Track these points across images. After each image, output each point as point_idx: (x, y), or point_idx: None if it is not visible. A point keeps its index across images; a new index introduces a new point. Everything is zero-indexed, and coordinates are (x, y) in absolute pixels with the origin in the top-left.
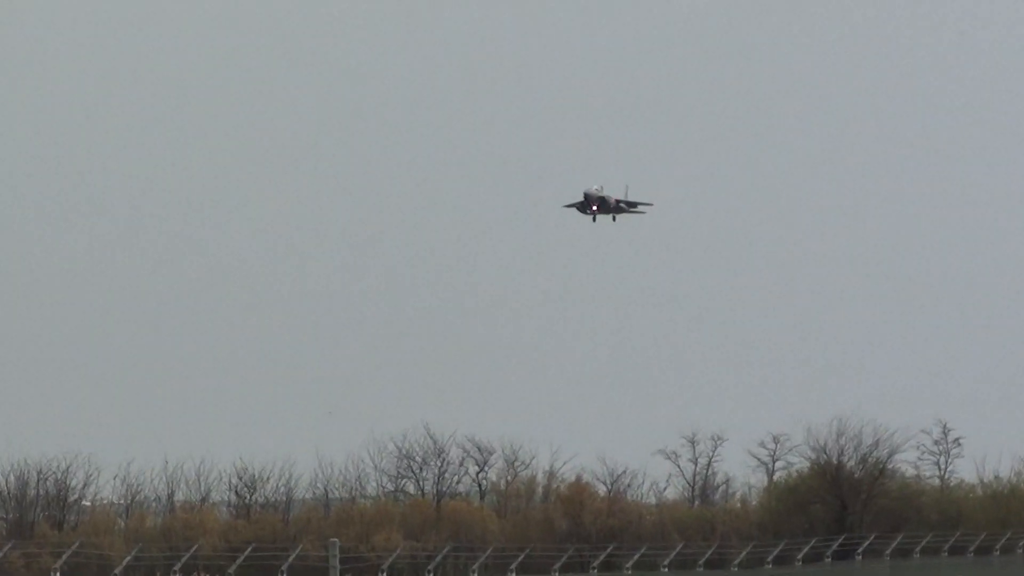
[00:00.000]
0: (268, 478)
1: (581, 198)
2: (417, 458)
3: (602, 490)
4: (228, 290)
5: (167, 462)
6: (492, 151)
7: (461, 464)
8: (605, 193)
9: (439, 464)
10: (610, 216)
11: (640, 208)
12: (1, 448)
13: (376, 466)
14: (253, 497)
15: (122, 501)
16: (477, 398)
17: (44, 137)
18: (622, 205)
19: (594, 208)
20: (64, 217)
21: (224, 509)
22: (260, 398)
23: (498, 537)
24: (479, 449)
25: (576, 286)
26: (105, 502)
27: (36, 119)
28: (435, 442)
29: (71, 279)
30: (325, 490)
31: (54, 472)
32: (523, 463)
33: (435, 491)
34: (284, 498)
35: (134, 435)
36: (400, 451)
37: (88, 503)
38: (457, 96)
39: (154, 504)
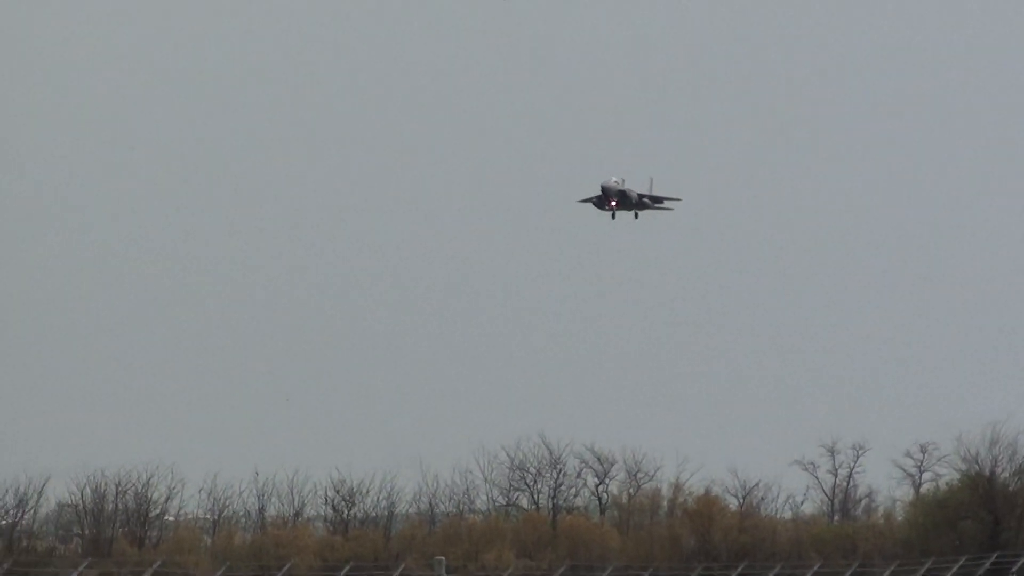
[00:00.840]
0: (368, 491)
1: (598, 192)
2: (531, 469)
3: (733, 504)
4: (329, 299)
5: (257, 473)
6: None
7: (579, 475)
8: (626, 186)
9: (555, 476)
10: (631, 212)
11: (666, 204)
12: (76, 458)
13: (486, 478)
14: (351, 512)
15: (208, 516)
16: (596, 404)
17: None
18: (645, 200)
19: (613, 203)
20: (166, 228)
21: (320, 525)
22: (358, 406)
23: (619, 555)
24: (599, 459)
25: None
26: (189, 517)
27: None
28: (551, 452)
29: (162, 285)
30: (430, 504)
31: (134, 484)
32: (647, 474)
33: (551, 505)
34: (385, 513)
35: (221, 444)
36: (512, 461)
37: (171, 518)
38: (475, 86)
39: (243, 519)
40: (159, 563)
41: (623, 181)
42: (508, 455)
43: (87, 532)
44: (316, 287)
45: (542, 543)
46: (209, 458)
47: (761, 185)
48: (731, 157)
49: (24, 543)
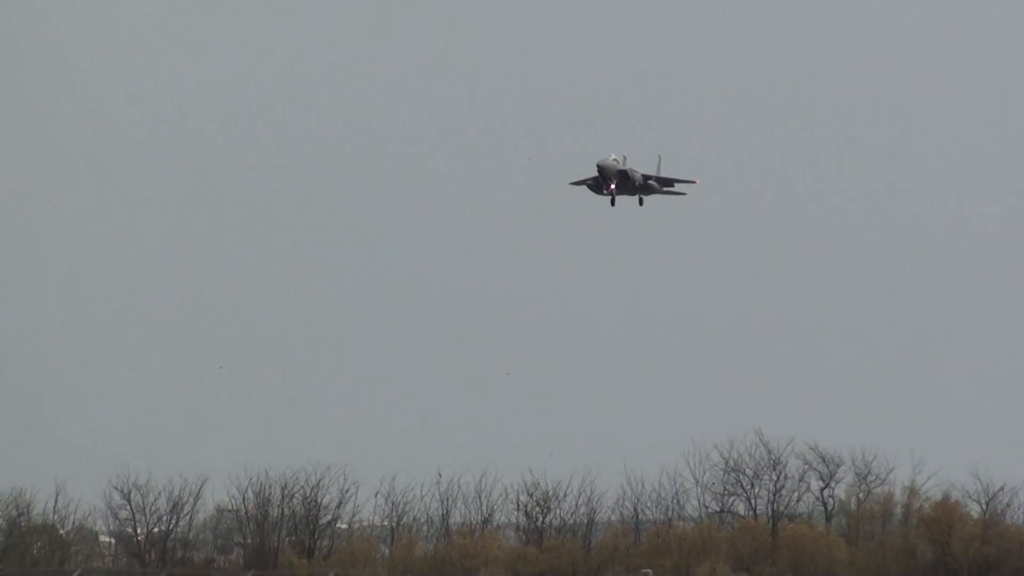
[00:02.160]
0: (565, 495)
1: (595, 173)
2: (748, 471)
3: (975, 511)
4: (515, 296)
5: (440, 476)
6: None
7: (801, 479)
8: (627, 166)
9: (775, 479)
10: (635, 197)
11: (677, 188)
12: (237, 458)
13: (698, 481)
14: (547, 519)
15: (386, 523)
16: (820, 397)
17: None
18: (651, 183)
19: (611, 186)
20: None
21: (511, 533)
22: (552, 399)
23: (847, 568)
24: (823, 460)
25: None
26: (364, 524)
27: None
28: (770, 452)
29: (322, 285)
30: (635, 510)
31: (302, 488)
32: (878, 477)
33: (770, 511)
34: (585, 520)
35: (399, 443)
36: (727, 463)
37: (344, 525)
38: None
39: (425, 527)
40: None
41: (624, 160)
42: (722, 455)
43: (249, 541)
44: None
45: (761, 554)
46: (386, 458)
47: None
48: (753, 129)
49: (179, 553)
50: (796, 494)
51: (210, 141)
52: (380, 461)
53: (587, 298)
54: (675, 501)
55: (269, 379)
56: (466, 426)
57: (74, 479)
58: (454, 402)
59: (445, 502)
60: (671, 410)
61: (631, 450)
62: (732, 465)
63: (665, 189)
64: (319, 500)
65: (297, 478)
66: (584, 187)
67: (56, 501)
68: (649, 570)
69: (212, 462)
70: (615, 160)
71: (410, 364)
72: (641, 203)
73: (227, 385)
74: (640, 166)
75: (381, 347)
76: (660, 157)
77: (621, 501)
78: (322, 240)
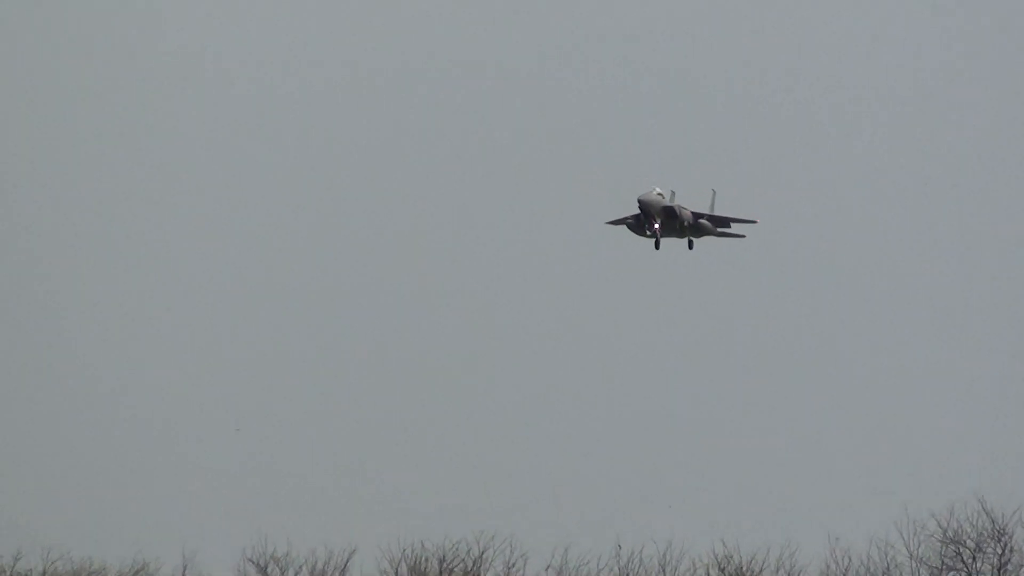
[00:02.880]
0: (761, 570)
1: (635, 210)
2: (968, 543)
3: None
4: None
5: (619, 547)
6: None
7: None
8: (673, 201)
9: (999, 551)
10: (684, 239)
11: (733, 229)
12: (389, 527)
13: (912, 554)
14: None
15: None
16: None
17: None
18: (703, 222)
19: (656, 225)
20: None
21: None
22: (745, 463)
23: None
24: None
25: None
26: None
27: None
28: (993, 521)
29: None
30: None
31: (463, 561)
32: None
33: None
34: None
35: (572, 510)
36: (945, 534)
37: None
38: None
39: None
40: None
41: (672, 195)
42: (939, 525)
43: None
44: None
45: None
46: (555, 526)
47: None
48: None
49: None
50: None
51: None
52: (551, 530)
53: (777, 353)
54: (886, 575)
55: (423, 438)
56: (647, 492)
57: (204, 550)
58: (632, 465)
59: (625, 574)
60: (881, 474)
61: (836, 518)
62: (951, 536)
63: (720, 230)
64: (483, 573)
65: (457, 549)
66: (623, 227)
67: (184, 574)
68: None
69: (360, 531)
70: (659, 195)
71: (583, 422)
72: (691, 246)
73: (374, 446)
74: (690, 203)
75: (550, 403)
76: (715, 192)
77: (826, 573)
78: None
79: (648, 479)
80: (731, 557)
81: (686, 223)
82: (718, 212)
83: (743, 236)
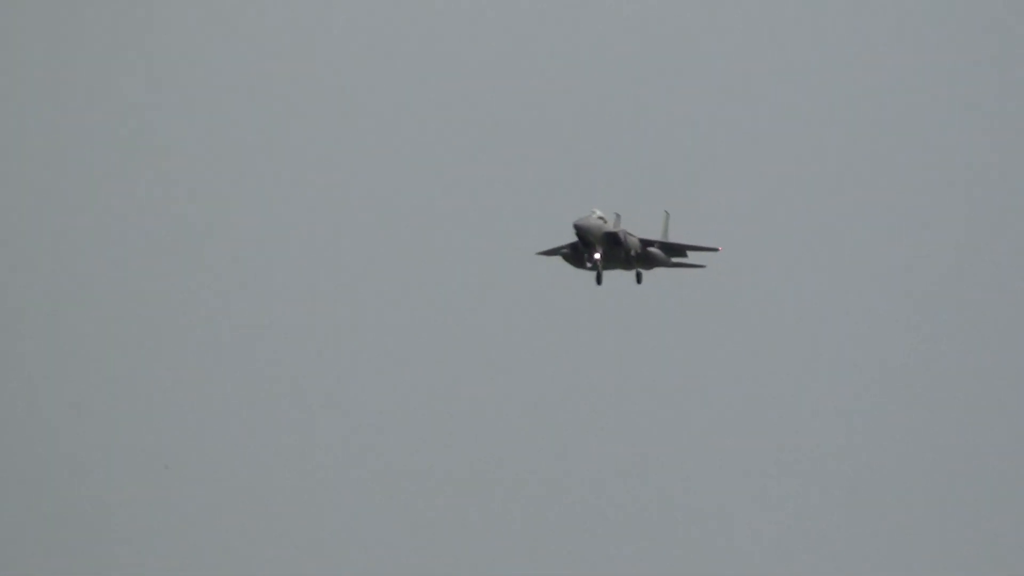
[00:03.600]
0: None
1: (573, 238)
2: None
3: None
4: None
5: None
6: None
7: None
8: (618, 227)
9: None
10: (632, 272)
11: (690, 259)
12: None
13: None
14: None
15: None
16: None
17: None
18: (653, 251)
19: (596, 255)
20: None
21: None
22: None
23: None
24: None
25: None
26: None
27: None
28: None
29: None
30: None
31: None
32: None
33: None
34: None
35: None
36: None
37: None
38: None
39: None
40: None
41: (617, 220)
42: None
43: None
44: None
45: None
46: None
47: None
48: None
49: None
50: None
51: None
52: None
53: None
54: None
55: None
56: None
57: None
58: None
59: None
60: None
61: None
62: None
63: (674, 260)
64: None
65: None
66: (558, 257)
67: None
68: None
69: None
70: (600, 218)
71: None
72: (639, 279)
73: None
74: (638, 228)
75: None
76: (668, 214)
77: None
78: None
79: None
80: None
81: (633, 252)
82: (672, 239)
83: (702, 267)
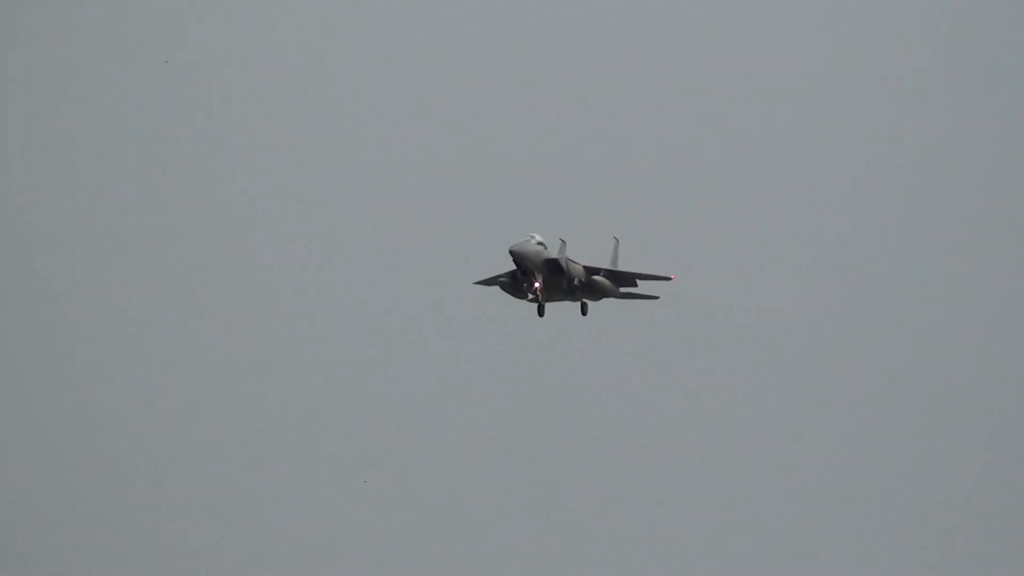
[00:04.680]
0: None
1: (510, 265)
2: None
3: None
4: None
5: None
6: None
7: None
8: (561, 253)
9: None
10: (576, 303)
11: (641, 289)
12: None
13: None
14: None
15: None
16: None
17: None
18: (599, 279)
19: (536, 284)
20: None
21: None
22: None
23: None
24: None
25: None
26: None
27: None
28: None
29: None
30: None
31: None
32: None
33: None
34: None
35: None
36: None
37: None
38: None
39: None
40: None
41: (562, 247)
42: None
43: None
44: None
45: None
46: None
47: None
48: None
49: None
50: None
51: None
52: None
53: None
54: None
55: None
56: None
57: None
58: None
59: None
60: None
61: None
62: None
63: (624, 290)
64: None
65: None
66: (496, 287)
67: None
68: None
69: None
70: (540, 244)
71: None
72: (585, 311)
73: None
74: (584, 255)
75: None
76: (617, 241)
77: None
78: None
79: None
80: None
81: (577, 281)
82: (621, 267)
83: (656, 297)
